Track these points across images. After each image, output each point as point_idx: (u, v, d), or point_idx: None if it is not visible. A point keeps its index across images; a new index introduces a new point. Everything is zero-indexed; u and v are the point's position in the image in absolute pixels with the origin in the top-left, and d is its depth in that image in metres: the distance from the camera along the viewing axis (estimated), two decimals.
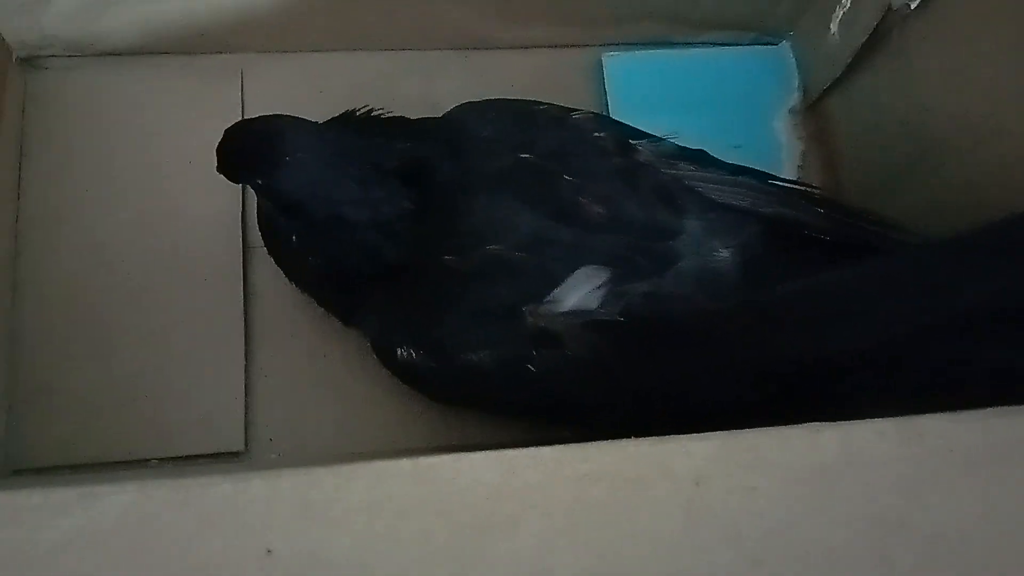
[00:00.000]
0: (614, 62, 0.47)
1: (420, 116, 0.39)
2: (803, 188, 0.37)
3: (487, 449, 0.40)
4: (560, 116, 0.36)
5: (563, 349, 0.31)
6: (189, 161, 0.42)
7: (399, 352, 0.33)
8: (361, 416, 0.40)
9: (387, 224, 0.33)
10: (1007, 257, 0.28)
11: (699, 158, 0.36)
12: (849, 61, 0.43)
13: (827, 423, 0.25)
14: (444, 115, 0.38)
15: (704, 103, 0.48)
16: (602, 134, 0.35)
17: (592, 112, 0.37)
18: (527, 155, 0.34)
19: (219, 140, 0.34)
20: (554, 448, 0.24)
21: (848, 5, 0.42)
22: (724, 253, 0.32)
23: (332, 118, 0.37)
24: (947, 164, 0.37)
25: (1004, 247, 0.28)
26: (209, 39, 0.44)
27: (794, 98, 0.48)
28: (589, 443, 0.24)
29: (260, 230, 0.38)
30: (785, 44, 0.49)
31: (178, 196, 0.42)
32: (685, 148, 0.36)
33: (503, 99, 0.38)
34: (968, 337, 0.28)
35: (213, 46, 0.44)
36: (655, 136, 0.37)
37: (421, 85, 0.47)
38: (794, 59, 0.48)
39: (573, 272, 0.31)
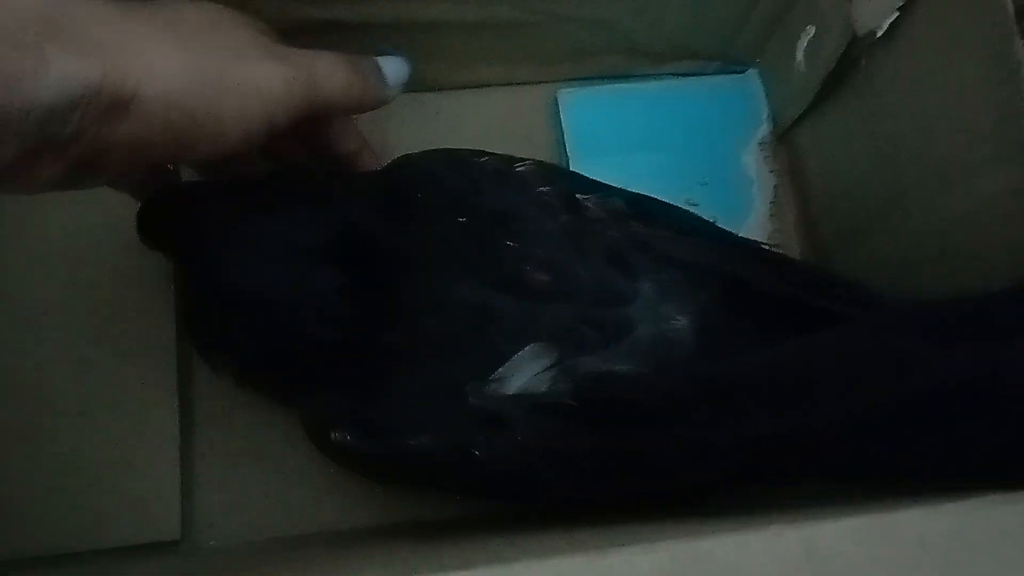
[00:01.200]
0: (570, 98, 0.45)
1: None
2: (758, 245, 0.35)
3: (441, 525, 0.37)
4: (503, 169, 0.34)
5: (513, 433, 0.29)
6: (121, 224, 0.40)
7: (332, 435, 0.31)
8: (308, 495, 0.38)
9: (313, 303, 0.30)
10: (974, 334, 0.26)
11: (651, 212, 0.34)
12: (817, 91, 0.40)
13: (788, 524, 0.23)
14: (385, 168, 0.36)
15: (667, 138, 0.45)
16: (547, 188, 0.33)
17: (536, 162, 0.34)
18: (465, 219, 0.32)
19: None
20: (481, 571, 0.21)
21: (813, 33, 0.40)
22: (680, 321, 0.30)
23: (267, 176, 0.35)
24: (918, 206, 0.34)
25: (970, 323, 0.26)
26: None
27: (763, 130, 0.45)
28: (517, 562, 0.21)
29: (179, 311, 0.36)
30: (752, 72, 0.46)
31: (111, 260, 0.39)
32: (637, 201, 0.34)
33: (444, 150, 0.35)
34: (933, 411, 0.26)
35: None
36: (605, 187, 0.34)
37: (372, 129, 0.44)
38: (762, 87, 0.46)
39: (519, 349, 0.29)
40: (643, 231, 0.32)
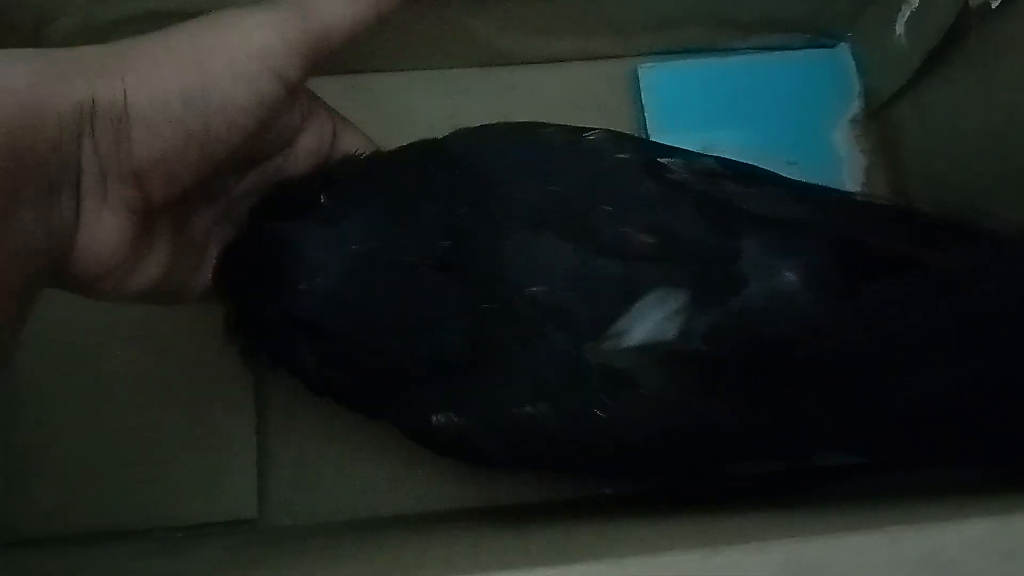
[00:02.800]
0: (651, 73, 0.43)
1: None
2: (870, 200, 0.33)
3: (520, 510, 0.37)
4: (572, 140, 0.32)
5: (639, 390, 0.27)
6: None
7: (434, 418, 0.29)
8: (382, 476, 0.37)
9: (428, 315, 0.29)
10: None
11: (745, 173, 0.32)
12: (919, 66, 0.38)
13: (908, 526, 0.21)
14: (444, 146, 0.32)
15: (752, 115, 0.43)
16: (625, 155, 0.31)
17: (604, 130, 0.32)
18: (553, 187, 0.30)
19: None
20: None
21: (916, 4, 0.37)
22: (790, 276, 0.28)
23: (322, 184, 0.31)
24: None
25: None
26: None
27: (855, 106, 0.43)
28: (608, 558, 0.20)
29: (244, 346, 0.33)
30: (843, 46, 0.44)
31: None
32: (727, 162, 0.32)
33: (502, 124, 0.33)
34: None
35: None
36: (686, 151, 0.32)
37: (443, 106, 0.43)
38: (854, 63, 0.43)
39: (637, 300, 0.27)
40: (739, 189, 0.30)
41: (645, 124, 0.42)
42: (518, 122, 0.33)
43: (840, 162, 0.42)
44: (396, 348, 0.29)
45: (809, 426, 0.28)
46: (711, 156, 0.32)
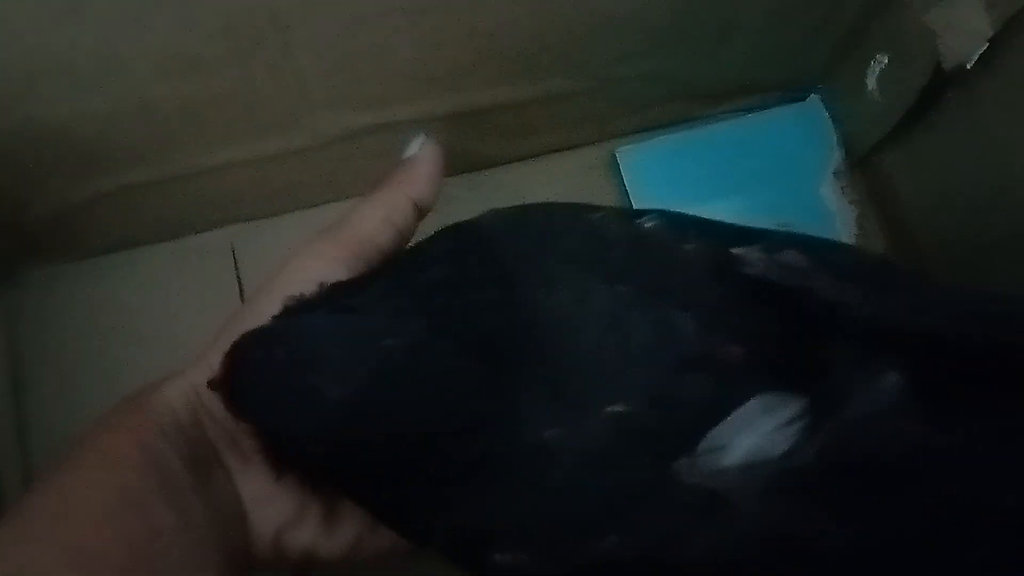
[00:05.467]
0: (629, 155, 0.43)
1: None
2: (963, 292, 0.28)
3: None
4: (628, 227, 0.27)
5: (736, 518, 0.23)
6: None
7: (496, 556, 0.26)
8: None
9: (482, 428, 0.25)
10: None
11: (836, 264, 0.27)
12: (898, 120, 0.38)
13: None
14: (478, 229, 0.28)
15: (736, 180, 0.43)
16: (690, 246, 0.27)
17: (659, 212, 0.28)
18: (620, 286, 0.26)
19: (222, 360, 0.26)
20: None
21: (886, 62, 0.37)
22: (893, 377, 0.24)
23: (368, 280, 0.28)
24: None
25: None
26: (193, 219, 0.40)
27: (836, 157, 0.43)
28: None
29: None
30: (815, 98, 0.44)
31: None
32: (816, 248, 0.27)
33: (543, 204, 0.29)
34: None
35: (198, 226, 0.40)
36: (763, 234, 0.27)
37: (434, 217, 0.43)
38: (827, 113, 0.44)
39: (738, 406, 0.23)
40: (829, 287, 0.25)
41: (632, 205, 0.42)
42: (561, 203, 0.29)
43: (831, 216, 0.43)
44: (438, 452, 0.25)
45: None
46: (794, 241, 0.27)
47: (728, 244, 0.26)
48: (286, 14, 0.29)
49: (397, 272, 0.27)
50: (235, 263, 0.40)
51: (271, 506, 0.27)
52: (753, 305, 0.25)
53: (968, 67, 0.33)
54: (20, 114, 0.31)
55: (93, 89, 0.31)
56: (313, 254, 0.28)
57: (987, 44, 0.32)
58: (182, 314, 0.39)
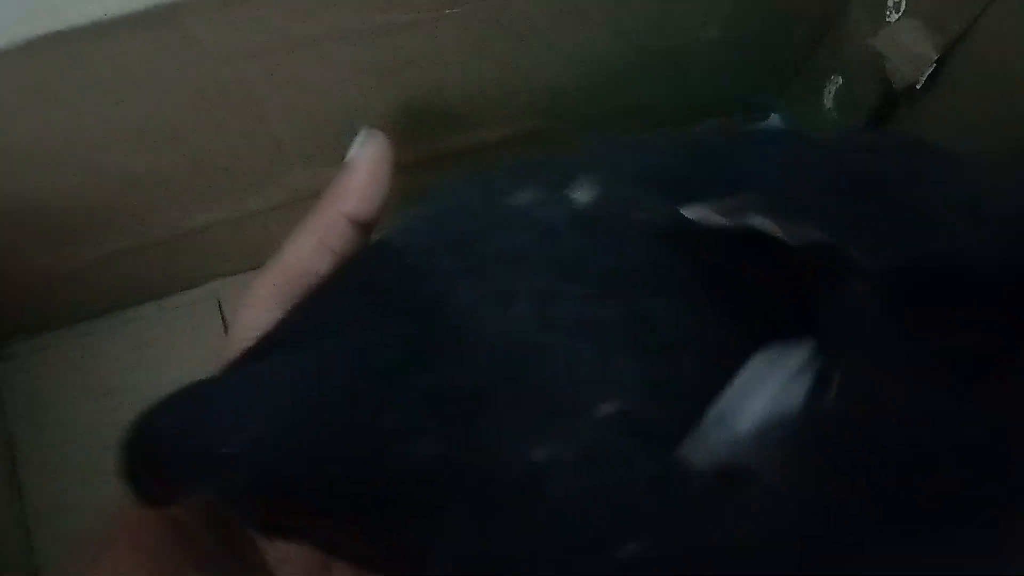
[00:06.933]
0: None
1: None
2: None
3: None
4: (559, 208, 0.24)
5: (762, 493, 0.20)
6: None
7: None
8: None
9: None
10: None
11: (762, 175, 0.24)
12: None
13: None
14: (381, 253, 0.25)
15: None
16: (640, 215, 0.23)
17: (592, 173, 0.24)
18: (574, 284, 0.23)
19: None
20: None
21: (840, 82, 0.39)
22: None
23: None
24: None
25: None
26: (178, 278, 0.41)
27: None
28: None
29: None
30: (775, 117, 0.45)
31: None
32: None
33: (453, 197, 0.25)
34: None
35: (183, 283, 0.41)
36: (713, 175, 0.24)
37: None
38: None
39: (739, 369, 0.21)
40: (799, 233, 0.21)
41: None
42: (471, 186, 0.25)
43: None
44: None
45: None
46: (743, 176, 0.23)
47: (676, 200, 0.23)
48: (257, 85, 0.30)
49: (305, 313, 0.25)
50: (222, 317, 0.41)
51: (295, 563, 0.26)
52: (726, 268, 0.22)
53: (918, 87, 0.34)
54: None
55: (69, 165, 0.32)
56: (250, 302, 0.27)
57: (934, 65, 0.33)
58: (174, 370, 0.40)
